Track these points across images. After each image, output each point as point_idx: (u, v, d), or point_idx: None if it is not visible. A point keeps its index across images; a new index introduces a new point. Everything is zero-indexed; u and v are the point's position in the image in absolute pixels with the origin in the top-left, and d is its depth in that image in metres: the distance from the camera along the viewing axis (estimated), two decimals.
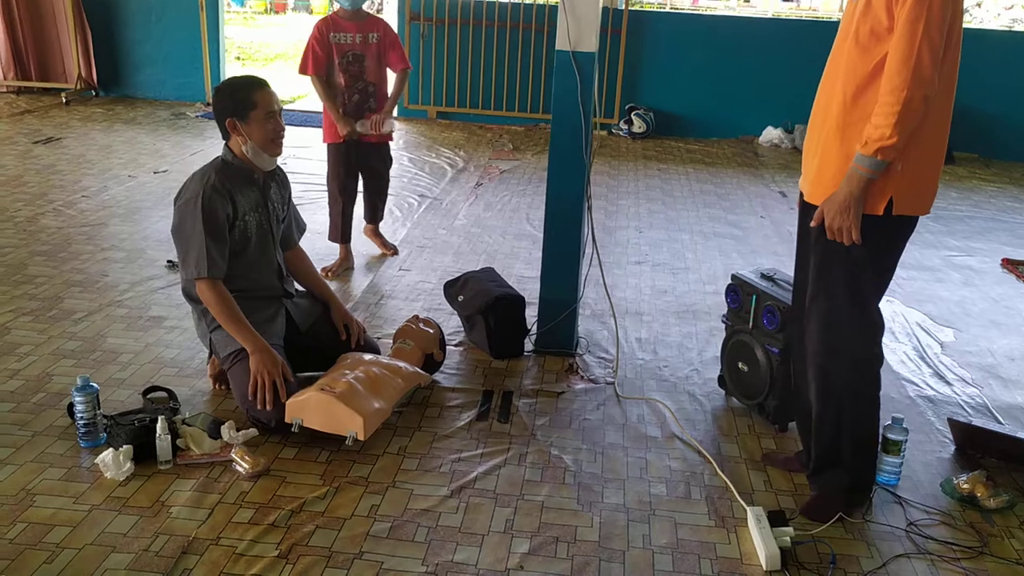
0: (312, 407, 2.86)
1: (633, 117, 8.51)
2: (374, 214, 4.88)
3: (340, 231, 4.64)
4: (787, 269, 5.34)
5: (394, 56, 4.56)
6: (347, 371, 3.01)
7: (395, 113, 5.22)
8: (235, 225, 3.05)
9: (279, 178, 3.26)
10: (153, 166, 6.44)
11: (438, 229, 5.42)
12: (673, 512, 2.70)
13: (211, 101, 3.07)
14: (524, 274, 4.71)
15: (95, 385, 2.84)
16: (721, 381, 3.45)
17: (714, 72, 8.63)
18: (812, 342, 2.63)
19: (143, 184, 5.96)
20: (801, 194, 2.74)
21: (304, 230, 3.50)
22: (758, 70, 8.54)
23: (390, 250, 4.85)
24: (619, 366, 3.64)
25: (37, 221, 5.04)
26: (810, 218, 2.60)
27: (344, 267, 4.59)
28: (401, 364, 3.15)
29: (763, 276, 3.28)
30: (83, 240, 4.79)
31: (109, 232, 4.96)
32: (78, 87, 8.74)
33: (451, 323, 4.00)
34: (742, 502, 2.74)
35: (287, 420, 2.90)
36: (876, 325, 2.60)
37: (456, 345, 3.78)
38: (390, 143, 4.70)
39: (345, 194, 4.60)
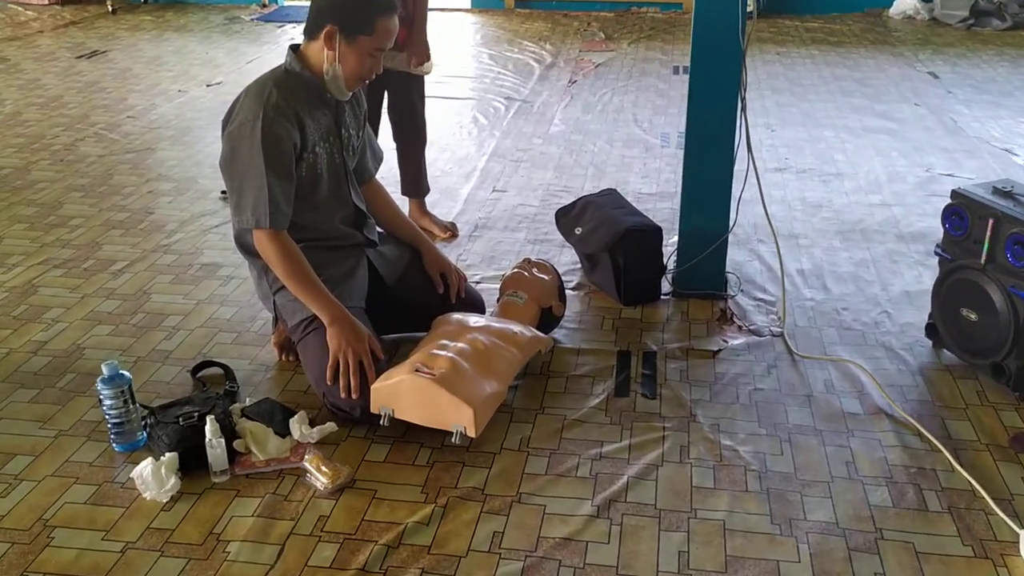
0: (406, 394, 2.17)
1: None
2: (416, 181, 3.50)
3: None
4: (963, 168, 4.44)
5: None
6: (447, 341, 2.29)
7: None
8: (303, 158, 2.33)
9: (353, 95, 2.51)
10: (206, 78, 5.73)
11: (532, 138, 4.61)
12: (908, 534, 1.95)
13: None
14: (643, 190, 3.89)
15: (126, 374, 2.19)
16: (931, 331, 2.63)
17: None
18: None
19: (195, 99, 5.26)
20: None
21: (381, 159, 2.75)
22: None
23: (446, 231, 3.47)
24: (786, 311, 2.85)
25: (76, 149, 4.40)
26: None
27: None
28: (515, 328, 2.41)
29: (997, 191, 2.42)
30: (127, 170, 4.13)
31: (156, 159, 4.30)
32: None
33: (563, 258, 3.24)
34: (1004, 516, 1.97)
35: (373, 410, 2.21)
36: None
37: (573, 288, 3.02)
38: (424, 77, 3.43)
39: None
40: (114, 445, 2.21)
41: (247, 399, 2.35)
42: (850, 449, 2.22)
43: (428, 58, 3.28)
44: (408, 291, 2.58)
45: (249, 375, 2.53)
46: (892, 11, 7.42)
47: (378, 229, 2.73)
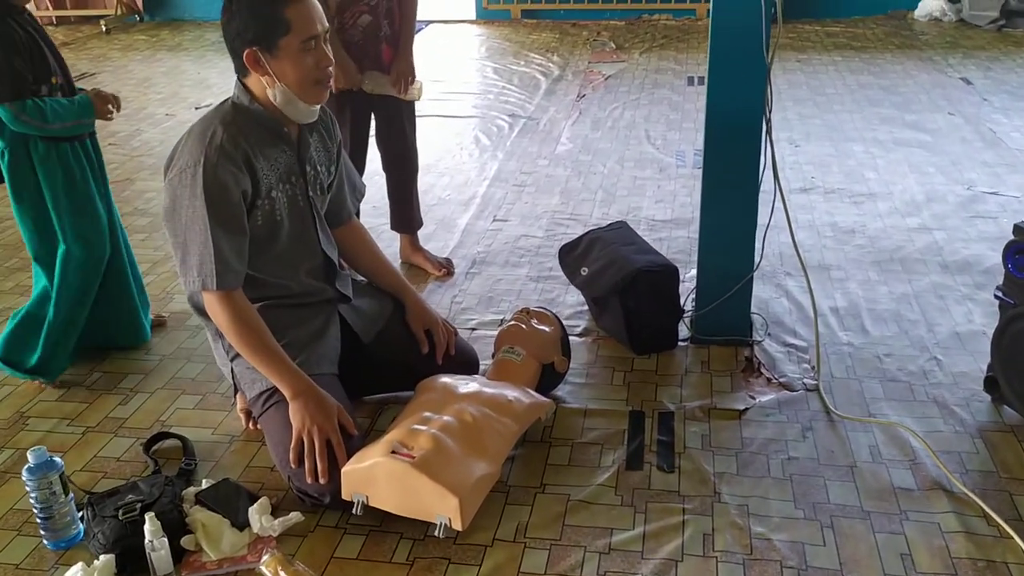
0: (381, 479, 1.85)
1: None
2: (408, 215, 3.16)
3: None
4: (1007, 185, 4.06)
5: None
6: (430, 414, 1.97)
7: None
8: (256, 206, 2.02)
9: (323, 124, 2.20)
10: (195, 100, 5.47)
11: (537, 159, 4.29)
12: None
13: (221, 17, 1.95)
14: (656, 216, 3.57)
15: (56, 460, 1.89)
16: (990, 384, 2.29)
17: None
18: None
19: (182, 124, 4.98)
20: None
21: (362, 195, 2.44)
22: None
23: (441, 269, 3.12)
24: (820, 359, 2.51)
25: None
26: None
27: None
28: (510, 394, 2.09)
29: None
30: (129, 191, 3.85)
31: (134, 191, 4.02)
32: (119, 12, 7.79)
33: (570, 298, 2.92)
34: None
35: (345, 496, 1.90)
36: None
37: (579, 335, 2.70)
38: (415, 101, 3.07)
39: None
40: (45, 542, 1.91)
41: (204, 480, 2.05)
42: (905, 537, 1.88)
43: (414, 80, 2.96)
44: (388, 350, 2.27)
45: (210, 448, 2.22)
46: (917, 13, 7.07)
47: (357, 277, 2.42)
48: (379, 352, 2.26)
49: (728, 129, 2.44)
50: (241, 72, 2.03)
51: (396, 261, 3.12)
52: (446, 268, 3.14)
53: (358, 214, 2.48)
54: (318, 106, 2.06)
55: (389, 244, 3.19)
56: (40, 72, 2.31)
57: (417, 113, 3.13)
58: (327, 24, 2.01)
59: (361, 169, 3.01)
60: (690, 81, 5.58)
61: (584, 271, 2.68)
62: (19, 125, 2.28)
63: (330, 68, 2.02)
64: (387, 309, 2.32)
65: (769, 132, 2.44)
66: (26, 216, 2.44)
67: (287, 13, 1.93)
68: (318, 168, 2.16)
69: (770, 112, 2.42)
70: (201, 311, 2.12)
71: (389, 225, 3.22)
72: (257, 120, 2.02)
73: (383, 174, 3.16)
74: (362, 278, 2.43)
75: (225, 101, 2.06)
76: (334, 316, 2.20)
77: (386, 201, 3.21)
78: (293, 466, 1.93)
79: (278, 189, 2.05)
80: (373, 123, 3.06)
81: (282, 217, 2.07)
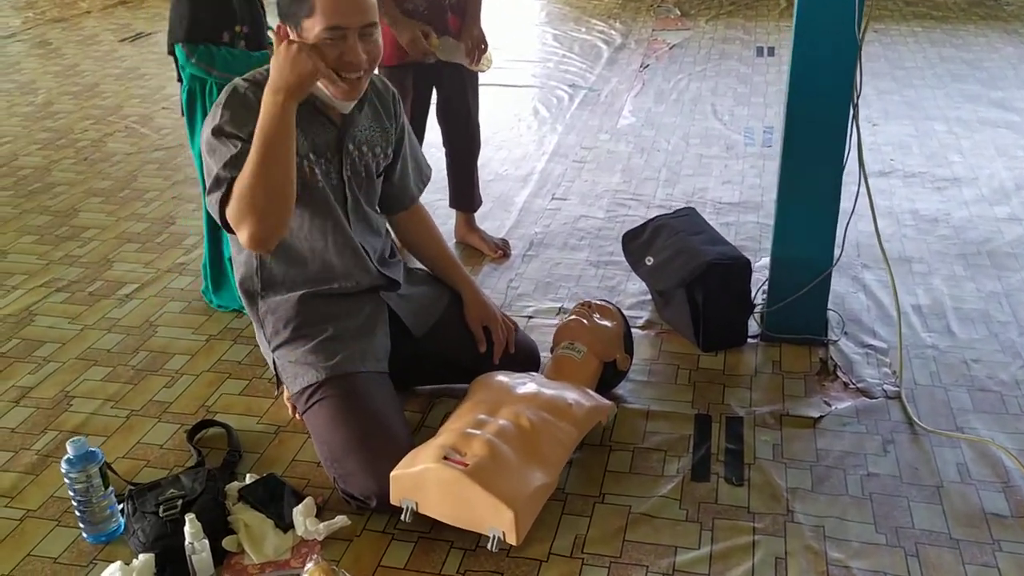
0: (432, 486, 1.74)
1: None
2: (468, 193, 3.03)
3: None
4: None
5: None
6: (484, 416, 1.86)
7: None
8: None
9: (381, 102, 2.05)
10: None
11: (598, 133, 4.12)
12: None
13: None
14: (723, 199, 3.39)
15: (96, 452, 1.81)
16: None
17: None
18: None
19: None
20: None
21: (428, 178, 2.27)
22: None
23: (497, 251, 2.99)
24: (902, 363, 2.34)
25: (103, 146, 4.07)
26: None
27: None
28: (570, 396, 1.96)
29: None
30: (152, 171, 3.78)
31: (186, 157, 3.93)
32: None
33: (632, 285, 2.77)
34: None
35: (394, 501, 1.80)
36: None
37: (642, 327, 2.56)
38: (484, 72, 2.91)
39: None
40: (84, 535, 1.84)
41: (247, 475, 1.96)
42: (998, 571, 1.72)
43: (486, 49, 2.80)
44: (442, 346, 2.14)
45: (255, 439, 2.13)
46: None
47: (414, 263, 2.30)
48: (432, 348, 2.13)
49: (812, 109, 2.25)
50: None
51: (450, 240, 2.99)
52: (502, 250, 3.01)
53: None
54: (350, 101, 1.89)
55: (444, 222, 3.05)
56: (222, 19, 2.36)
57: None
58: (369, 19, 1.80)
59: (419, 144, 2.87)
60: (759, 52, 5.33)
61: (649, 261, 2.53)
62: (190, 66, 2.37)
63: (360, 65, 1.81)
64: (443, 301, 2.19)
65: (856, 118, 2.25)
66: (196, 153, 2.47)
67: None
68: (363, 149, 2.01)
69: (860, 90, 2.22)
70: (249, 296, 2.03)
71: (447, 202, 3.09)
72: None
73: (441, 148, 3.03)
74: (420, 266, 2.30)
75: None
76: (382, 309, 2.07)
77: (443, 176, 3.08)
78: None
79: (309, 160, 1.91)
80: (434, 97, 2.92)
81: (323, 185, 1.94)
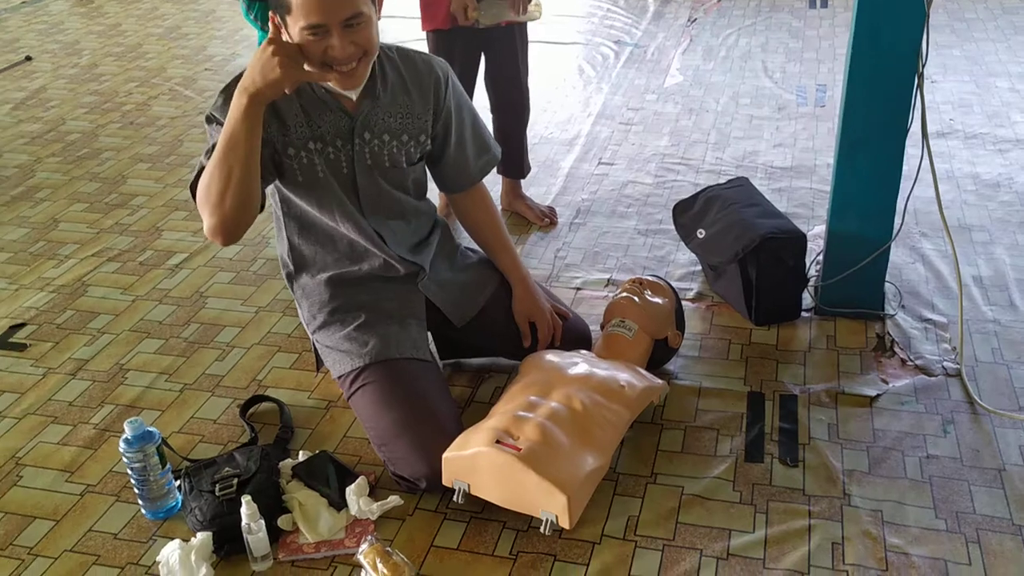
0: (484, 469, 1.74)
1: None
2: (517, 160, 2.95)
3: None
4: None
5: None
6: (536, 398, 1.84)
7: None
8: (288, 154, 1.88)
9: (418, 87, 1.96)
10: None
11: (645, 93, 4.03)
12: None
13: None
14: (775, 163, 3.30)
15: (153, 432, 1.83)
16: None
17: None
18: None
19: None
20: None
21: (496, 159, 2.18)
22: None
23: (544, 219, 2.96)
24: (963, 338, 2.28)
25: (148, 109, 4.08)
26: None
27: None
28: (622, 377, 1.94)
29: None
30: (197, 135, 3.78)
31: None
32: None
33: (681, 255, 2.73)
34: None
35: (446, 482, 1.80)
36: None
37: (693, 299, 2.52)
38: (527, 22, 2.83)
39: None
40: (143, 511, 1.87)
41: (300, 452, 1.98)
42: None
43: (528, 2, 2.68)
44: (483, 338, 2.13)
45: (307, 415, 2.15)
46: None
47: (469, 246, 2.27)
48: (475, 336, 2.13)
49: (875, 79, 2.17)
50: None
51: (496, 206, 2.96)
52: (549, 217, 2.97)
53: None
54: (352, 89, 1.82)
55: (491, 188, 2.99)
56: None
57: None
58: (350, 11, 1.68)
59: None
60: (811, 3, 5.16)
61: (701, 233, 2.48)
62: (250, 22, 2.42)
63: (343, 57, 1.71)
64: (488, 289, 2.13)
65: (921, 82, 2.16)
66: None
67: None
68: (384, 138, 1.94)
69: (926, 59, 2.14)
70: (289, 274, 2.03)
71: (497, 169, 3.04)
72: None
73: (489, 114, 2.98)
74: (474, 247, 2.27)
75: None
76: (418, 297, 2.04)
77: None
78: None
79: (308, 149, 1.88)
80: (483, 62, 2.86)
81: (324, 175, 1.91)
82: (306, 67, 1.70)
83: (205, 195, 1.76)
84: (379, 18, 1.81)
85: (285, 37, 1.72)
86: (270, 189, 1.97)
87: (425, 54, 2.01)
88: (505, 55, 2.80)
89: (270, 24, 1.75)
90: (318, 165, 1.89)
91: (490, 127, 2.97)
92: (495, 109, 2.94)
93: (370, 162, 1.94)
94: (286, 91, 1.69)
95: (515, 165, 2.98)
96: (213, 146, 1.76)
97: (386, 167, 1.96)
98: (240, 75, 1.74)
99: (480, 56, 2.83)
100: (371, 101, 1.90)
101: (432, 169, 2.12)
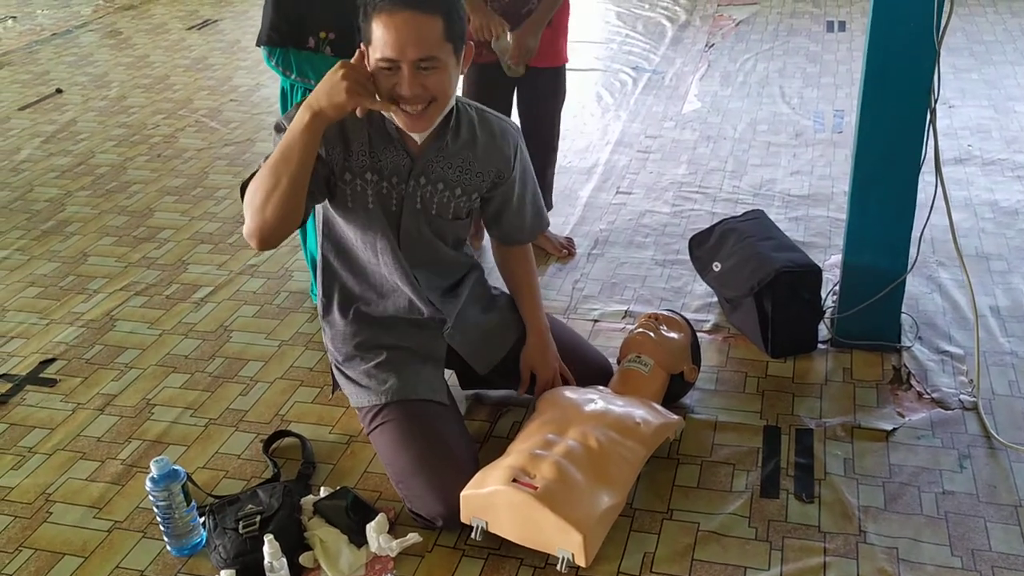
0: (502, 507, 1.77)
1: None
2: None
3: None
4: None
5: None
6: (553, 436, 1.88)
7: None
8: (344, 179, 1.92)
9: (488, 139, 1.99)
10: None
11: (663, 121, 4.06)
12: None
13: None
14: (792, 191, 3.32)
15: (179, 470, 1.88)
16: None
17: None
18: None
19: None
20: None
21: (544, 227, 2.25)
22: None
23: (562, 250, 2.99)
24: (980, 371, 2.28)
25: (175, 141, 4.17)
26: None
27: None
28: (638, 414, 1.96)
29: None
30: (223, 167, 3.86)
31: (254, 153, 4.01)
32: None
33: (699, 287, 2.75)
34: None
35: (464, 520, 1.84)
36: None
37: (709, 331, 2.54)
38: (565, 64, 2.94)
39: None
40: (168, 547, 1.92)
41: (322, 488, 2.02)
42: None
43: (527, 59, 2.72)
44: (504, 380, 2.19)
45: (328, 450, 2.19)
46: None
47: (496, 289, 2.30)
48: (495, 380, 2.20)
49: (888, 107, 2.18)
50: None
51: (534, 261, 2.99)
52: (567, 248, 3.00)
53: None
54: (416, 132, 1.86)
55: None
56: (306, 25, 2.36)
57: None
58: (424, 54, 1.72)
59: None
60: (829, 27, 5.18)
61: (716, 267, 2.50)
62: (271, 67, 2.42)
63: (412, 103, 1.77)
64: (511, 338, 2.17)
65: (934, 117, 2.18)
66: None
67: (373, 24, 1.73)
68: (438, 186, 1.97)
69: (938, 95, 2.15)
70: (323, 307, 2.09)
71: None
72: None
73: None
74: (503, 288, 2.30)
75: None
76: (439, 344, 2.08)
77: None
78: None
79: (364, 179, 1.92)
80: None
81: (374, 206, 1.95)
82: (376, 97, 1.76)
83: (251, 198, 1.81)
84: (462, 71, 1.86)
85: (367, 64, 1.77)
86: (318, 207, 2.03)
87: (501, 117, 2.05)
88: (535, 89, 2.85)
89: (357, 50, 1.79)
90: (370, 196, 1.94)
91: None
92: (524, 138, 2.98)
93: (419, 206, 1.98)
94: (356, 114, 1.75)
95: (545, 194, 3.01)
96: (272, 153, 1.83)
97: (432, 215, 2.00)
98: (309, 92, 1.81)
99: (513, 92, 2.87)
100: (436, 148, 1.94)
101: (487, 224, 2.17)
